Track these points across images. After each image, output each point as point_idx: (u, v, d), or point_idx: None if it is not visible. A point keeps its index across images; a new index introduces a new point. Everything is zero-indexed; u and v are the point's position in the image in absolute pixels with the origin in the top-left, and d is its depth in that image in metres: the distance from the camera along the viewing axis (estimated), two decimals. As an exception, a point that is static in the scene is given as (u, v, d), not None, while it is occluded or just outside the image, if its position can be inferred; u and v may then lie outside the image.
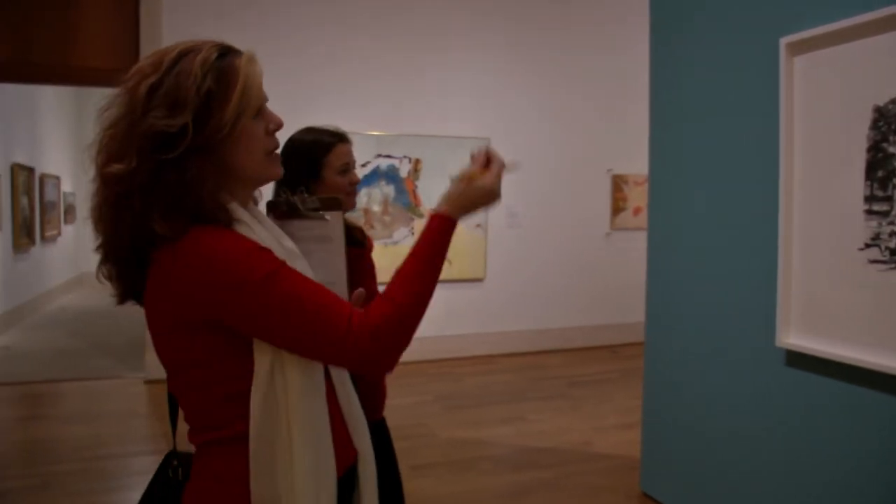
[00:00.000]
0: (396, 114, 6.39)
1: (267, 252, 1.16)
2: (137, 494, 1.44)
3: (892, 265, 2.27)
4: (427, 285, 1.20)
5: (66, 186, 11.19)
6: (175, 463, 1.39)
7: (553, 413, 5.04)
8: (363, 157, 6.07)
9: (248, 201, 1.29)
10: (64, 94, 10.93)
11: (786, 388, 2.70)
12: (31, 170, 9.01)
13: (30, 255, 9.03)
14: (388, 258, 6.16)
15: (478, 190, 1.29)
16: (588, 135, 7.09)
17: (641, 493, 3.59)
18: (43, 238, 9.68)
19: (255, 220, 1.24)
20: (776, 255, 2.66)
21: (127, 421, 4.85)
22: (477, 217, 6.62)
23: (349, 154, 2.12)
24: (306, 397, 1.20)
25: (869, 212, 2.34)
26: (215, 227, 1.15)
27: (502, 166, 1.33)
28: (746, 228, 2.88)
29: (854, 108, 2.37)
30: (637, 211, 7.27)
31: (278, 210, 1.49)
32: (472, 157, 1.34)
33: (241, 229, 1.18)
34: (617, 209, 7.30)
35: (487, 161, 1.33)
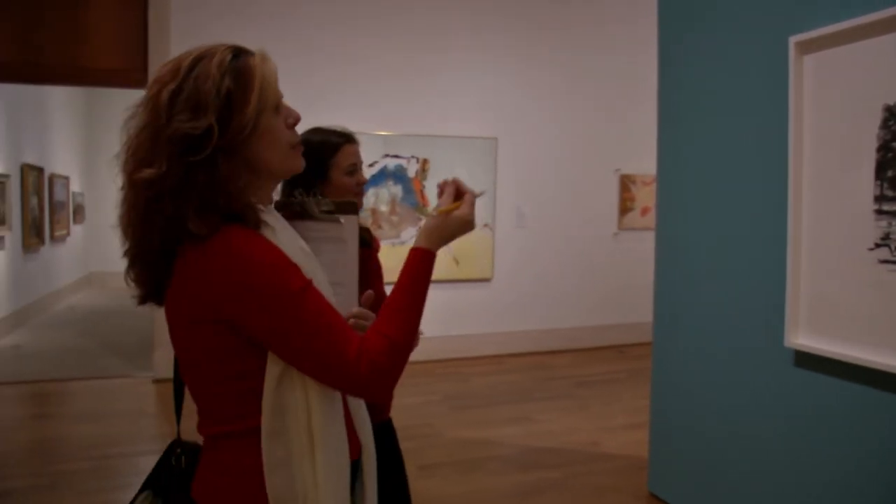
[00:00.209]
0: (404, 114, 6.39)
1: (296, 267, 1.20)
2: (146, 493, 1.46)
3: (902, 265, 2.26)
4: (414, 316, 1.27)
5: (74, 186, 11.24)
6: (178, 451, 1.43)
7: (560, 413, 5.03)
8: (371, 157, 6.08)
9: (270, 199, 1.33)
10: (73, 95, 10.97)
11: (794, 388, 2.68)
12: (40, 170, 9.05)
13: (39, 254, 9.07)
14: (395, 258, 6.14)
15: (454, 221, 1.36)
16: (595, 135, 7.08)
17: (649, 493, 3.58)
18: (52, 238, 9.72)
19: (277, 223, 1.28)
20: (785, 255, 2.65)
21: (136, 420, 4.87)
22: (485, 217, 6.65)
23: (356, 154, 2.13)
24: (326, 398, 1.24)
25: (879, 212, 2.33)
26: (244, 228, 1.19)
27: (473, 196, 1.39)
28: (755, 228, 2.87)
29: (864, 108, 2.35)
30: (645, 211, 7.25)
31: (290, 210, 1.49)
32: (440, 188, 1.41)
33: (267, 232, 1.22)
34: (625, 209, 7.28)
35: (458, 193, 1.39)
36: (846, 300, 2.45)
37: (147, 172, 1.15)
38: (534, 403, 5.28)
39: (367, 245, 2.11)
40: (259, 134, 1.21)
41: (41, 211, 9.09)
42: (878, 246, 2.33)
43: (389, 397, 1.25)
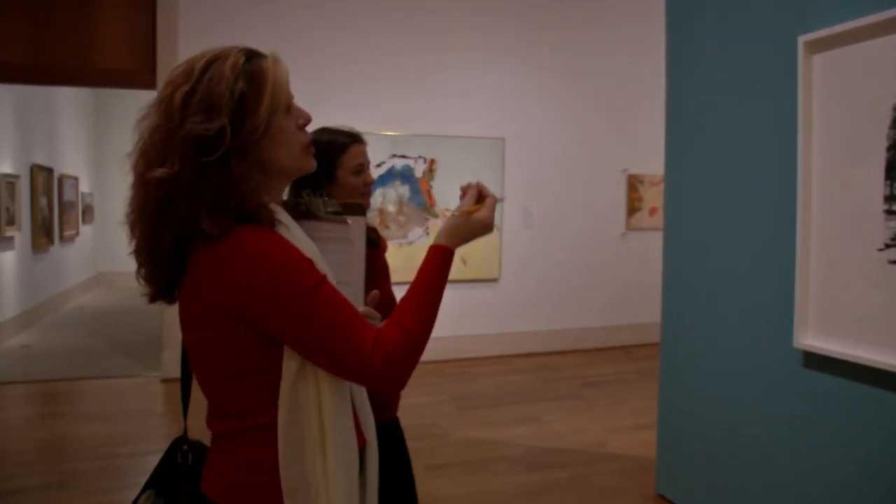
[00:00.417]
0: (411, 114, 6.40)
1: (310, 262, 1.22)
2: (154, 492, 1.47)
3: (912, 266, 2.25)
4: (432, 312, 1.29)
5: (84, 187, 11.29)
6: (185, 448, 1.46)
7: (567, 414, 5.02)
8: (378, 158, 6.08)
9: (280, 199, 1.35)
10: (82, 96, 11.03)
11: (803, 389, 2.67)
12: (49, 170, 9.09)
13: (48, 254, 9.12)
14: (402, 258, 6.21)
15: (475, 223, 1.39)
16: (603, 135, 7.07)
17: (657, 494, 3.57)
18: (61, 238, 9.77)
19: (290, 221, 1.30)
20: (794, 255, 2.63)
21: (144, 419, 4.89)
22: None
23: (364, 154, 2.13)
24: (337, 393, 1.26)
25: (889, 212, 2.31)
26: (258, 226, 1.21)
27: (494, 200, 1.42)
28: (764, 229, 2.86)
29: (873, 107, 2.34)
30: (653, 211, 7.23)
31: (296, 210, 1.50)
32: (463, 191, 1.44)
33: (281, 230, 1.24)
34: (632, 209, 7.27)
35: (480, 196, 1.43)
36: (856, 301, 2.44)
37: (159, 172, 1.17)
38: (541, 404, 5.27)
39: (375, 245, 2.11)
40: (271, 135, 1.23)
41: (50, 211, 9.13)
42: (887, 246, 2.32)
43: (401, 388, 1.27)
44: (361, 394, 1.42)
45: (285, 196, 1.65)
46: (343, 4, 6.17)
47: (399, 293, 2.16)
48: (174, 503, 1.44)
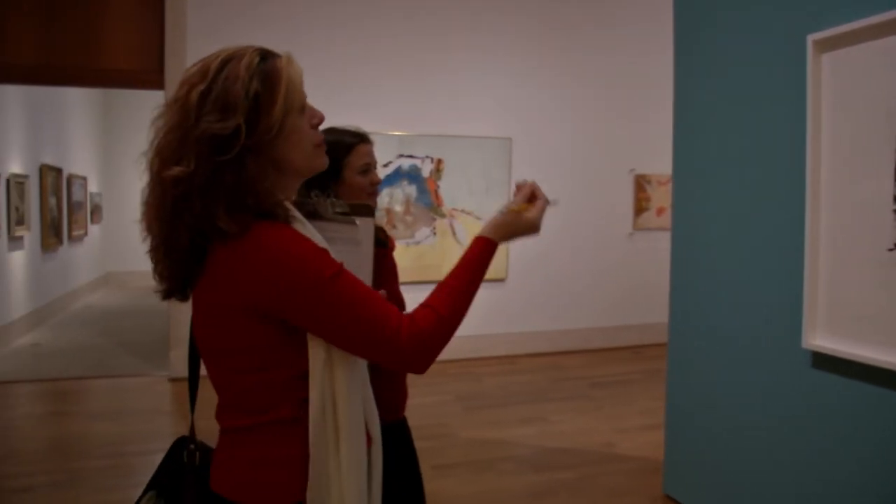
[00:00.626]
0: (418, 114, 6.40)
1: (327, 252, 1.24)
2: (162, 491, 1.47)
3: (921, 266, 2.24)
4: (467, 300, 1.32)
5: (92, 187, 11.34)
6: (192, 447, 1.46)
7: (574, 414, 5.02)
8: (385, 157, 6.09)
9: (293, 198, 1.36)
10: (91, 96, 11.07)
11: (812, 390, 2.66)
12: (58, 170, 9.13)
13: (57, 254, 9.16)
14: (409, 258, 6.22)
15: (523, 222, 1.42)
16: (610, 134, 7.06)
17: (664, 495, 3.57)
18: (70, 238, 9.81)
19: (303, 218, 1.32)
20: (802, 255, 2.62)
21: (152, 418, 4.91)
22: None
23: (370, 154, 2.13)
24: (352, 390, 1.28)
25: (897, 212, 2.30)
26: (274, 222, 1.22)
27: (546, 202, 1.45)
28: (772, 228, 2.85)
29: (883, 106, 2.33)
30: (660, 211, 7.22)
31: (303, 210, 1.50)
32: (518, 188, 1.46)
33: (297, 226, 1.26)
34: (640, 209, 7.25)
35: (532, 196, 1.44)
36: (864, 301, 2.43)
37: (175, 171, 1.17)
38: (548, 404, 5.27)
39: (383, 245, 2.11)
40: (285, 134, 1.24)
41: (59, 211, 9.17)
42: (896, 246, 2.31)
43: (424, 368, 1.27)
44: (368, 393, 1.43)
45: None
46: (350, 4, 6.18)
47: (406, 292, 2.17)
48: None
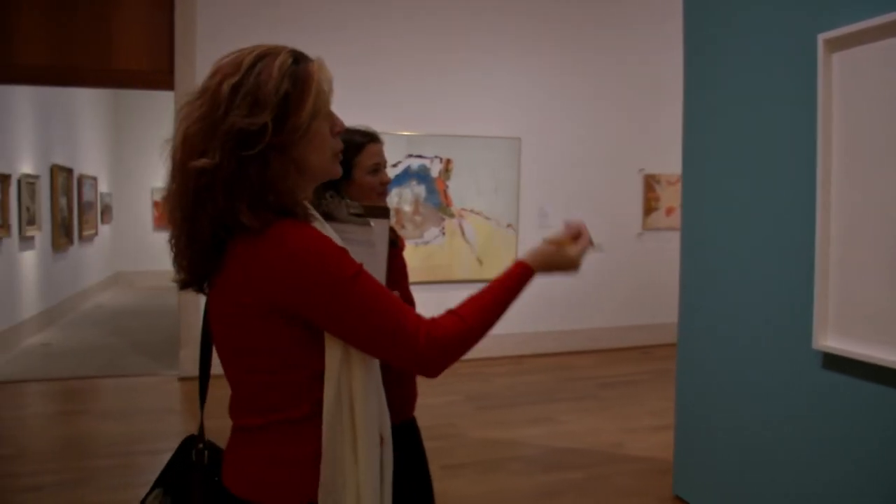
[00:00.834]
0: (428, 114, 6.40)
1: (347, 252, 1.24)
2: (170, 490, 1.47)
3: (934, 266, 2.22)
4: (493, 318, 1.32)
5: (102, 187, 11.39)
6: (200, 446, 1.47)
7: (583, 414, 5.01)
8: (394, 157, 6.09)
9: (309, 200, 1.36)
10: (101, 96, 11.12)
11: (823, 391, 2.65)
12: (69, 171, 9.18)
13: (68, 254, 9.20)
14: (418, 258, 6.22)
15: (564, 257, 1.44)
16: (619, 134, 7.04)
17: (674, 496, 3.55)
18: (80, 238, 9.86)
19: (321, 217, 1.33)
20: (813, 255, 2.61)
21: (161, 417, 4.93)
22: (508, 216, 6.64)
23: (380, 154, 2.12)
24: (369, 390, 1.29)
25: (909, 212, 2.29)
26: (293, 221, 1.23)
27: (589, 243, 1.47)
28: (783, 228, 2.84)
29: (894, 105, 2.32)
30: (670, 211, 7.20)
31: (318, 212, 1.50)
32: (566, 226, 1.48)
33: (316, 225, 1.27)
34: (649, 209, 7.23)
35: (578, 235, 1.47)
36: (876, 301, 2.41)
37: (201, 162, 1.18)
38: (556, 404, 5.26)
39: (393, 244, 2.11)
40: (309, 137, 1.25)
41: (70, 211, 9.22)
42: (908, 246, 2.29)
43: (438, 372, 1.28)
44: (381, 393, 1.43)
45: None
46: (357, 5, 6.19)
47: (415, 292, 2.17)
48: (185, 502, 1.44)
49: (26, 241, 7.43)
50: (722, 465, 3.20)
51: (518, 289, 1.36)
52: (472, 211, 6.55)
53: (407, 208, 6.34)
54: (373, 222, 1.51)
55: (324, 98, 1.27)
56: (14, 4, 5.48)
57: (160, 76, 5.78)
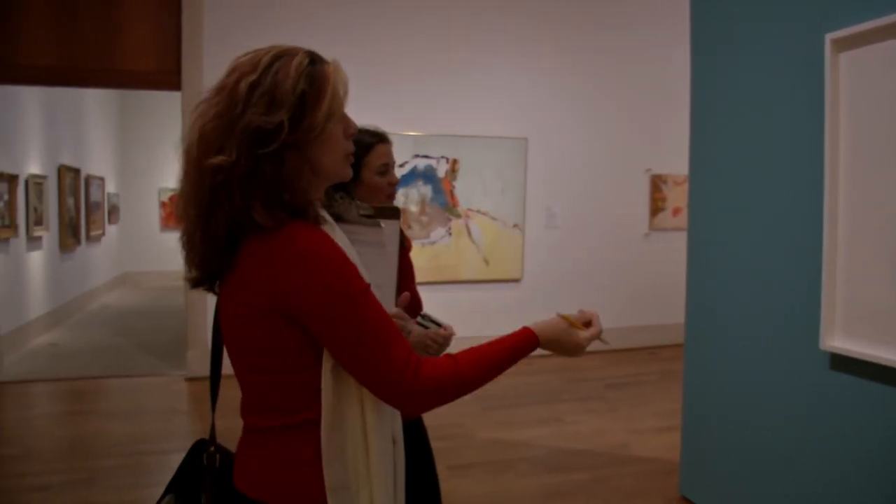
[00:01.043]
0: (434, 114, 6.40)
1: (356, 269, 1.23)
2: (178, 490, 1.47)
3: (943, 267, 2.21)
4: (489, 372, 1.31)
5: (110, 187, 11.43)
6: (212, 450, 1.46)
7: (590, 415, 5.00)
8: (400, 158, 6.06)
9: (321, 201, 1.36)
10: (108, 97, 11.16)
11: (830, 391, 2.64)
12: (76, 171, 9.21)
13: (75, 254, 9.24)
14: (425, 258, 6.22)
15: (571, 337, 1.46)
16: (626, 134, 7.03)
17: (680, 497, 3.55)
18: (88, 238, 9.89)
19: (332, 220, 1.33)
20: (820, 255, 2.60)
21: (168, 417, 4.94)
22: (514, 217, 6.63)
23: (389, 154, 2.12)
24: None
25: (918, 212, 2.28)
26: (307, 223, 1.23)
27: (599, 333, 1.50)
28: (790, 229, 2.83)
29: (902, 106, 2.31)
30: (677, 211, 7.18)
31: (329, 213, 1.50)
32: (580, 312, 1.52)
33: (326, 228, 1.27)
34: (656, 209, 7.22)
35: (589, 323, 1.50)
36: (884, 302, 2.40)
37: (218, 159, 1.18)
38: (563, 405, 5.25)
39: (401, 245, 2.11)
40: (323, 138, 1.26)
41: (77, 211, 9.25)
42: (917, 247, 2.28)
43: (420, 412, 1.28)
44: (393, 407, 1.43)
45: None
46: (365, 5, 6.19)
47: (421, 292, 2.17)
48: None
49: (34, 242, 7.46)
50: (728, 466, 3.19)
51: (520, 353, 1.36)
52: (478, 211, 6.55)
53: (413, 208, 6.34)
54: (383, 223, 1.51)
55: (338, 100, 1.28)
56: (21, 5, 5.50)
57: (167, 77, 5.80)
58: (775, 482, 2.92)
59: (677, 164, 6.34)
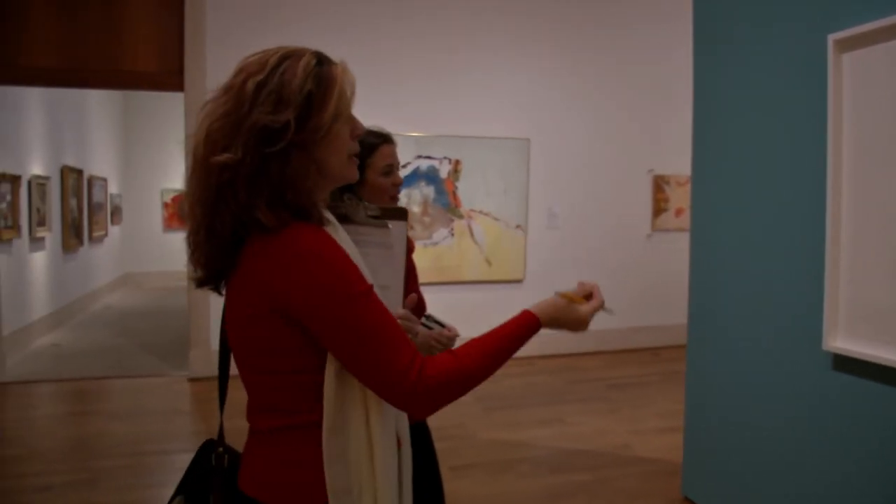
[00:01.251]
0: (436, 115, 6.40)
1: (359, 271, 1.23)
2: (181, 490, 1.47)
3: (945, 268, 2.21)
4: (494, 362, 1.29)
5: (112, 188, 11.44)
6: (220, 450, 1.46)
7: (592, 416, 5.00)
8: (403, 158, 6.01)
9: (326, 202, 1.37)
10: (111, 98, 11.18)
11: (833, 392, 2.63)
12: (79, 172, 9.22)
13: (78, 255, 9.25)
14: (427, 259, 6.22)
15: (573, 313, 1.41)
16: (629, 135, 7.03)
17: (682, 497, 3.54)
18: (90, 239, 9.90)
19: (336, 222, 1.33)
20: (823, 256, 2.60)
21: (171, 418, 4.94)
22: (517, 217, 6.63)
23: (393, 155, 2.12)
24: None
25: (921, 213, 2.27)
26: (310, 224, 1.23)
27: (601, 305, 1.45)
28: (792, 229, 2.83)
29: (905, 107, 2.30)
30: (679, 212, 7.17)
31: (335, 213, 1.50)
32: (580, 284, 1.46)
33: (329, 230, 1.26)
34: (658, 210, 7.21)
35: (590, 295, 1.45)
36: (887, 302, 2.39)
37: (224, 157, 1.19)
38: (565, 406, 5.25)
39: (405, 246, 2.11)
40: (330, 138, 1.26)
41: (80, 212, 9.26)
42: (920, 248, 2.28)
43: (426, 414, 1.24)
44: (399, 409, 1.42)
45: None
46: (367, 6, 6.20)
47: (424, 293, 2.17)
48: None
49: (36, 242, 7.47)
50: (731, 467, 3.19)
51: (522, 338, 1.34)
52: (481, 212, 6.55)
53: (416, 209, 6.34)
54: (390, 224, 1.51)
55: (346, 101, 1.29)
56: (24, 6, 5.51)
57: (170, 78, 5.81)
58: (777, 483, 2.91)
59: (679, 164, 6.35)
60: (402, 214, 1.53)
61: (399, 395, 1.20)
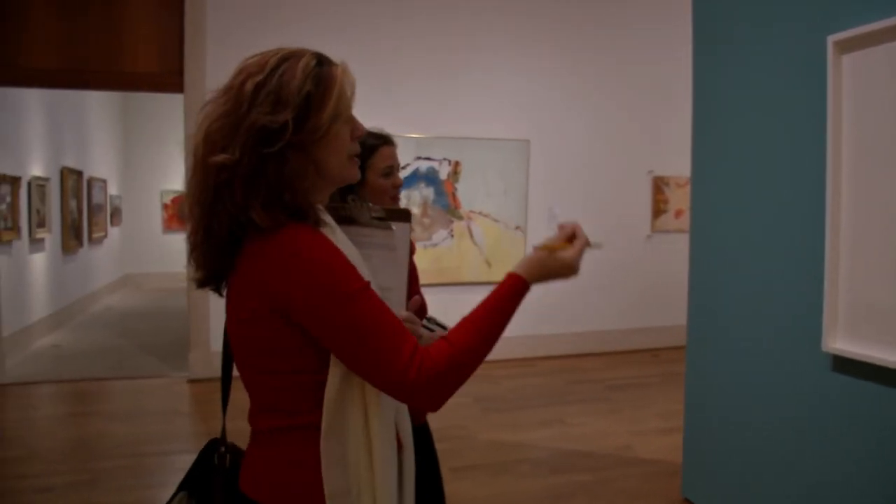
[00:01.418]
0: (436, 116, 6.40)
1: (354, 268, 1.22)
2: (181, 491, 1.48)
3: (945, 268, 2.21)
4: (488, 337, 1.25)
5: (112, 189, 11.44)
6: (223, 450, 1.47)
7: (592, 416, 5.00)
8: (403, 160, 6.02)
9: (326, 203, 1.37)
10: (111, 99, 11.18)
11: (832, 393, 2.63)
12: (79, 173, 9.22)
13: (77, 256, 9.25)
14: (427, 261, 6.23)
15: (558, 261, 1.34)
16: (629, 136, 7.03)
17: (682, 498, 3.54)
18: (90, 240, 9.90)
19: (334, 223, 1.32)
20: (822, 257, 2.60)
21: (171, 419, 4.94)
22: (517, 219, 6.63)
23: (393, 157, 2.12)
24: (381, 395, 1.27)
25: (920, 213, 2.27)
26: (306, 225, 1.23)
27: (586, 243, 1.38)
28: (792, 230, 2.83)
29: (905, 107, 2.30)
30: (679, 213, 7.18)
31: (338, 215, 1.50)
32: (560, 228, 1.38)
33: (326, 231, 1.26)
34: (658, 211, 7.21)
35: (572, 236, 1.38)
36: (887, 303, 2.39)
37: (221, 157, 1.19)
38: (565, 406, 5.25)
39: (406, 248, 2.11)
40: (329, 139, 1.26)
41: (80, 213, 9.26)
42: (919, 248, 2.28)
43: (435, 406, 1.22)
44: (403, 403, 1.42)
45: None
46: (367, 6, 6.20)
47: (424, 295, 2.17)
48: None
49: (36, 244, 7.47)
50: (731, 468, 3.19)
51: (513, 303, 1.30)
52: (480, 213, 6.55)
53: (415, 210, 6.34)
54: (394, 226, 1.51)
55: (345, 102, 1.28)
56: (24, 7, 5.52)
57: (170, 79, 5.81)
58: (777, 484, 2.91)
59: (679, 165, 6.35)
60: (406, 216, 1.53)
61: (402, 390, 1.19)
